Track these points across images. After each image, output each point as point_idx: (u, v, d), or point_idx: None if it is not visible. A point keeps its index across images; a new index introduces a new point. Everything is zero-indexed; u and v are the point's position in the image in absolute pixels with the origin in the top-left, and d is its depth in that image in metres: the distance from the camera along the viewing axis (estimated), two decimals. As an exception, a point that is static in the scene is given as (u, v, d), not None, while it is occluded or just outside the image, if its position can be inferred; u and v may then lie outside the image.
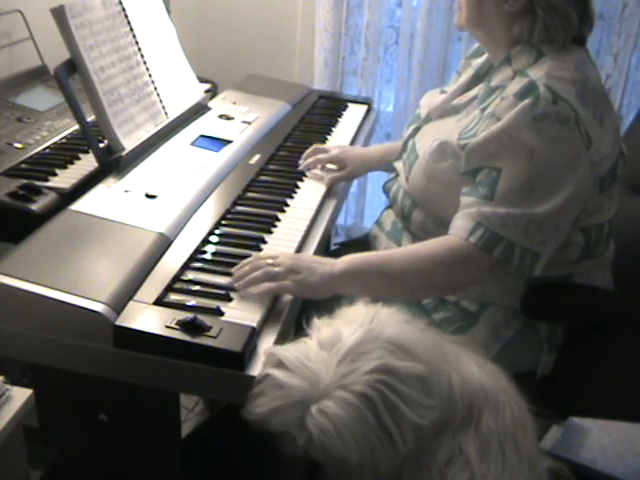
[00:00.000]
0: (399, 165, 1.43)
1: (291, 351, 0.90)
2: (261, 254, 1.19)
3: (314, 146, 1.62)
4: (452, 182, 1.22)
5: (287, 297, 1.12)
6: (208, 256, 1.18)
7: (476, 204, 1.15)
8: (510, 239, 1.13)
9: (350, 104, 2.09)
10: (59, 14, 1.31)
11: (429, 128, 1.36)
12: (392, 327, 0.91)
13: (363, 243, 1.51)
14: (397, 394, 0.86)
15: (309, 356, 0.88)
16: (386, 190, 1.47)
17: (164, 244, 1.17)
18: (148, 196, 1.28)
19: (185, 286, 1.08)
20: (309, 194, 1.47)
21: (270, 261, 1.12)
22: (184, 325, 0.96)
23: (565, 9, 1.17)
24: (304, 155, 1.59)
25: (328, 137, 1.81)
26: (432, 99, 1.44)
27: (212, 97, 1.89)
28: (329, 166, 1.58)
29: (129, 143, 1.41)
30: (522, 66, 1.20)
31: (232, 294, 1.08)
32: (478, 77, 1.36)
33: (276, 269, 1.11)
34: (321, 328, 0.93)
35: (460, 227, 1.16)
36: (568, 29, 1.19)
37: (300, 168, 1.56)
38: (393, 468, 0.89)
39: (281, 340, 1.03)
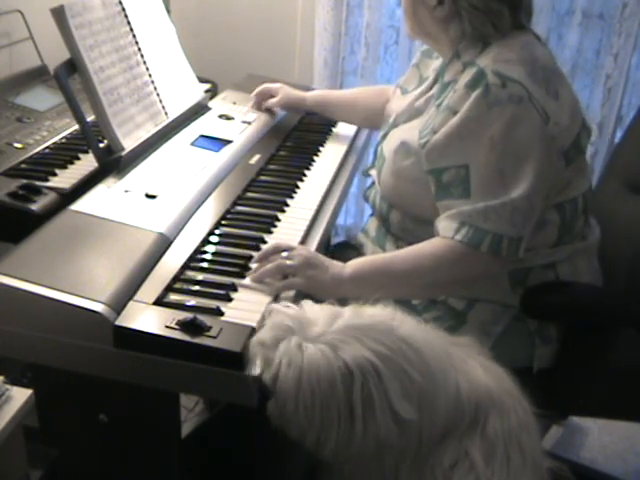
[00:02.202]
0: (373, 172, 1.46)
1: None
2: (282, 242, 1.20)
3: (264, 85, 1.81)
4: (419, 178, 1.25)
5: (288, 298, 1.12)
6: (208, 256, 1.18)
7: (455, 205, 1.18)
8: (496, 231, 1.15)
9: (350, 104, 2.09)
10: (59, 14, 1.31)
11: (395, 132, 1.39)
12: (408, 326, 0.92)
13: (354, 245, 1.52)
14: (380, 388, 0.84)
15: (325, 310, 0.90)
16: (366, 198, 1.50)
17: (164, 244, 1.16)
18: (148, 196, 1.28)
19: (185, 286, 1.08)
20: (309, 194, 1.47)
21: (285, 254, 1.15)
22: (184, 325, 0.96)
23: (488, 6, 1.21)
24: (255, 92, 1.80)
25: (328, 137, 1.80)
26: (397, 103, 1.47)
27: (212, 97, 1.88)
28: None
29: (129, 143, 1.41)
30: (470, 58, 1.24)
31: (232, 294, 1.08)
32: (437, 78, 1.38)
33: (288, 262, 1.14)
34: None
35: (445, 228, 1.18)
36: (498, 23, 1.22)
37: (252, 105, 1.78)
38: (339, 456, 0.88)
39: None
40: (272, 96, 1.79)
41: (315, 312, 0.90)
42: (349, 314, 0.90)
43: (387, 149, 1.36)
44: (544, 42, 1.29)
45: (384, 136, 1.43)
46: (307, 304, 0.93)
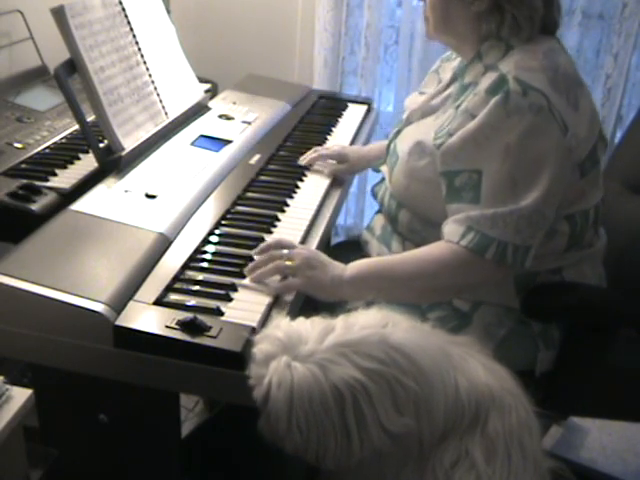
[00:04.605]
0: (384, 169, 1.45)
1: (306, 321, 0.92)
2: (284, 239, 1.20)
3: (315, 148, 1.64)
4: (432, 179, 1.24)
5: (288, 297, 1.12)
6: (208, 256, 1.18)
7: (463, 209, 1.16)
8: (502, 239, 1.13)
9: (350, 104, 2.09)
10: (59, 14, 1.31)
11: (409, 130, 1.38)
12: (400, 333, 0.91)
13: (357, 244, 1.52)
14: (371, 407, 0.85)
15: (317, 325, 0.89)
16: (374, 194, 1.48)
17: (164, 244, 1.17)
18: (148, 196, 1.28)
19: (185, 286, 1.08)
20: (309, 194, 1.47)
21: (286, 252, 1.15)
22: (184, 325, 0.96)
23: None
24: (304, 156, 1.61)
25: (328, 137, 1.80)
26: (413, 101, 1.45)
27: (212, 97, 1.89)
28: (329, 161, 1.60)
29: (129, 143, 1.41)
30: (493, 61, 1.22)
31: (232, 294, 1.08)
32: (455, 77, 1.36)
33: (288, 263, 1.13)
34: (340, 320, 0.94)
35: (451, 232, 1.17)
36: (535, 17, 1.20)
37: (302, 162, 1.58)
38: (340, 466, 0.88)
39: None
40: (338, 160, 1.63)
41: (307, 327, 0.90)
42: (340, 329, 0.89)
43: (400, 148, 1.34)
44: (565, 49, 1.26)
45: (397, 133, 1.41)
46: (299, 319, 0.93)
